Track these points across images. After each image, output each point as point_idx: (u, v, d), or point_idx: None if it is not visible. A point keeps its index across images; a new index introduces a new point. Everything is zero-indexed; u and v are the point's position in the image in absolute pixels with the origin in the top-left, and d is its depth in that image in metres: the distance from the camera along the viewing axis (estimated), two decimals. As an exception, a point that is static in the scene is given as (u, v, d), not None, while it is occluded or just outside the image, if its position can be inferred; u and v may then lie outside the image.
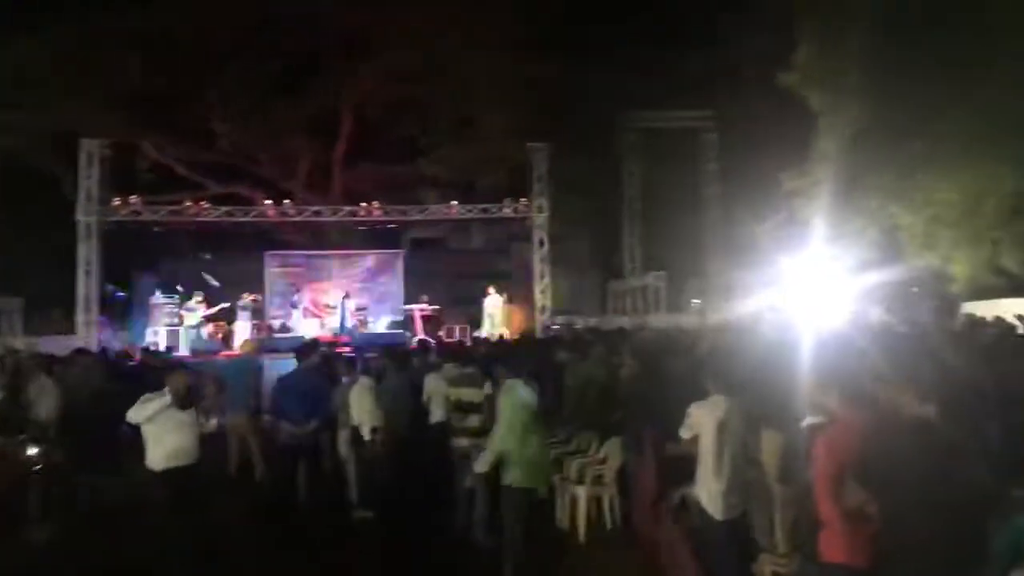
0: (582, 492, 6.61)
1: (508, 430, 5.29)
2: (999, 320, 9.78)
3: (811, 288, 16.25)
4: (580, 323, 17.43)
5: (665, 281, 19.99)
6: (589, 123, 21.60)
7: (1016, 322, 9.44)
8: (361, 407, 6.98)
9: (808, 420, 3.72)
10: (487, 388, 6.38)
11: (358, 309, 19.76)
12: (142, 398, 5.39)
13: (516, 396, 5.39)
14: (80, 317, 17.74)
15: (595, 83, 21.13)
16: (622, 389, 6.83)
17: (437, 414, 7.00)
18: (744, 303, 18.02)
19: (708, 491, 4.42)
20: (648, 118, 21.97)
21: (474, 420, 6.39)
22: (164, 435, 5.35)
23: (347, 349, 15.97)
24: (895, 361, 5.36)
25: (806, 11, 17.10)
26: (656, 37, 21.19)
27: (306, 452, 7.19)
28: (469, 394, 6.50)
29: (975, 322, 10.76)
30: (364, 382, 7.28)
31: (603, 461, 6.85)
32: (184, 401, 5.43)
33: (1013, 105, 13.51)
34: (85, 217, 17.86)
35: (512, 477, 5.21)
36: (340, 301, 18.96)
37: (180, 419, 5.41)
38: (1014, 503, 3.55)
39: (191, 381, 5.66)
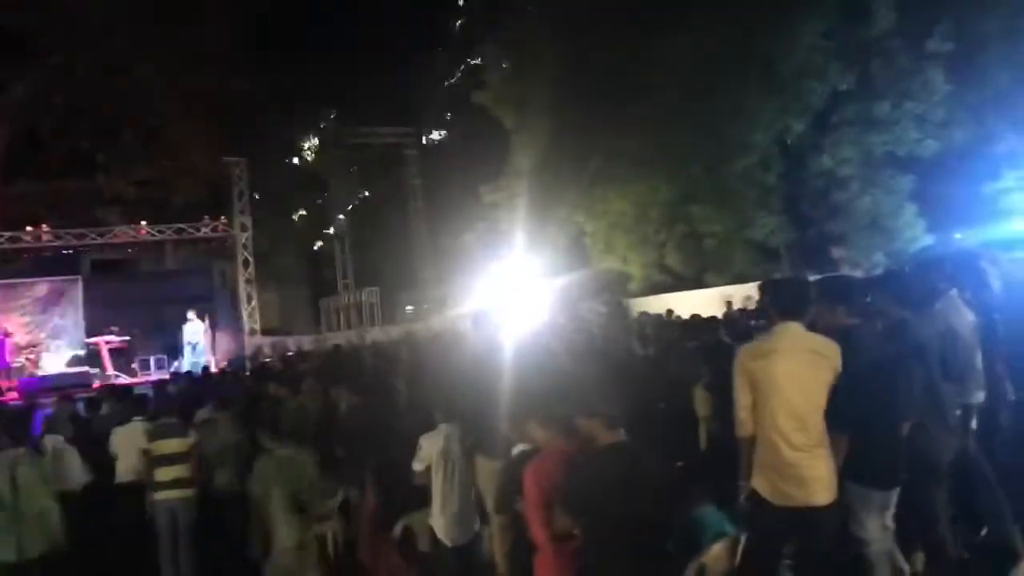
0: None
1: None
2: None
3: (512, 294, 17.42)
4: (292, 345, 16.89)
5: (378, 296, 20.13)
6: (290, 137, 21.06)
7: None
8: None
9: (517, 448, 4.00)
10: (191, 436, 5.99)
11: (29, 346, 17.21)
12: None
13: None
14: None
15: (295, 97, 20.64)
16: (341, 423, 6.74)
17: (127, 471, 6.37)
18: (453, 312, 18.80)
19: (440, 520, 4.56)
20: (351, 134, 21.96)
21: (180, 471, 5.94)
22: None
23: (13, 396, 13.98)
24: (586, 371, 5.97)
25: (493, 35, 18.30)
26: (359, 52, 21.27)
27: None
28: (172, 445, 6.02)
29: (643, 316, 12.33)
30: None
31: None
32: None
33: (667, 130, 15.68)
34: None
35: None
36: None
37: None
38: (692, 497, 4.16)
39: None
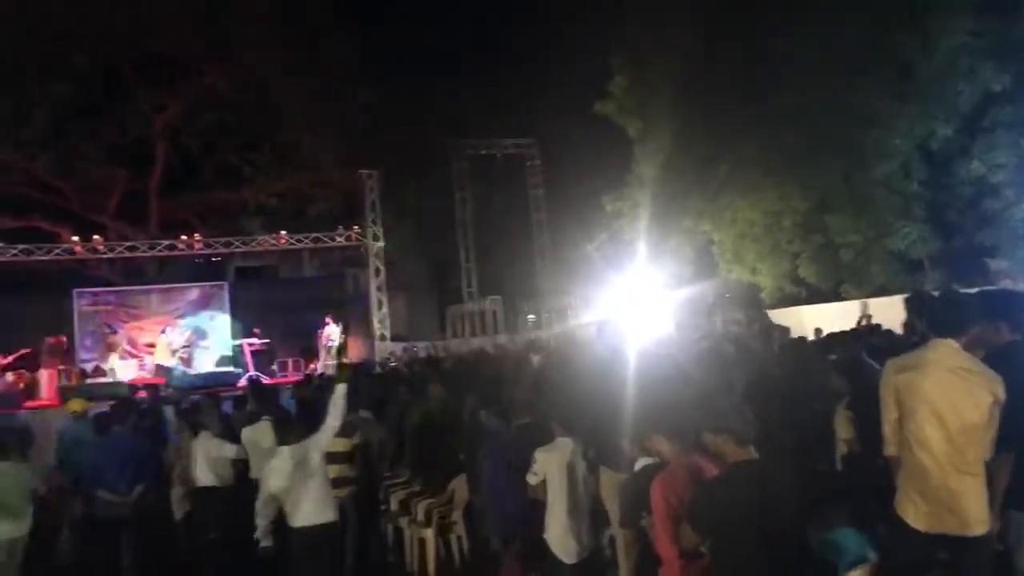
0: (430, 534, 6.57)
1: None
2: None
3: (636, 304, 17.21)
4: (421, 350, 17.39)
5: (501, 304, 20.41)
6: (420, 149, 21.73)
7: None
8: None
9: (641, 461, 3.93)
10: (355, 436, 6.22)
11: (183, 347, 18.57)
12: None
13: None
14: None
15: (425, 110, 21.29)
16: (464, 427, 6.86)
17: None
18: (574, 322, 18.77)
19: (557, 535, 4.48)
20: (476, 145, 22.44)
21: (344, 469, 6.13)
22: None
23: (169, 391, 15.05)
24: (716, 385, 5.79)
25: (619, 44, 18.17)
26: (482, 64, 21.70)
27: (129, 523, 6.61)
28: (337, 444, 6.15)
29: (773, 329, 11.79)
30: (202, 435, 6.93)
31: (449, 501, 6.85)
32: None
33: (799, 136, 15.07)
34: None
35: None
36: (159, 338, 17.78)
37: None
38: (829, 519, 3.94)
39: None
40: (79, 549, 6.98)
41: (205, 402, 7.89)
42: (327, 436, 5.13)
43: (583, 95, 18.80)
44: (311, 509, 4.94)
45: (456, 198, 22.67)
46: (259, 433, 6.65)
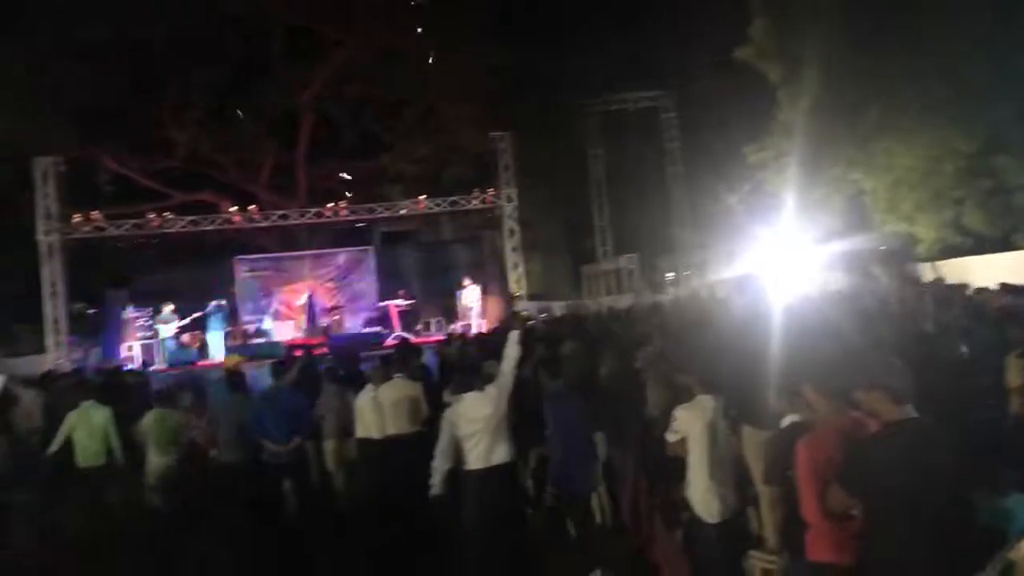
0: (569, 488, 6.65)
1: None
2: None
3: (780, 259, 16.46)
4: (557, 310, 17.49)
5: (637, 262, 20.12)
6: (551, 109, 21.63)
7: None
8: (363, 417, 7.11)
9: (788, 418, 3.79)
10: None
11: (333, 308, 19.63)
12: None
13: None
14: (49, 338, 17.42)
15: (554, 69, 21.10)
16: (602, 383, 6.86)
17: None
18: (713, 279, 18.23)
19: (700, 494, 4.42)
20: (608, 101, 22.04)
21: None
22: None
23: (323, 350, 15.93)
24: (866, 341, 5.47)
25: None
26: (610, 18, 21.21)
27: (290, 469, 7.17)
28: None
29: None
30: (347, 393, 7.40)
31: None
32: None
33: (963, 72, 13.74)
34: (45, 237, 17.51)
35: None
36: (307, 300, 18.86)
37: None
38: (999, 483, 3.66)
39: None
40: (247, 492, 7.59)
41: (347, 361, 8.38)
42: (508, 380, 5.40)
43: (719, 41, 17.96)
44: (492, 451, 5.26)
45: (588, 156, 22.43)
46: (397, 389, 7.07)
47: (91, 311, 19.97)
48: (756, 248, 17.35)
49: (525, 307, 19.08)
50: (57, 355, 17.09)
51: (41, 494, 7.02)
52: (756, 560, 3.94)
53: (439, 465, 5.36)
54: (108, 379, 10.90)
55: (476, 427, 5.29)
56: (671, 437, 4.53)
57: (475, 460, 5.31)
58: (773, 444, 3.78)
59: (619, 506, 6.30)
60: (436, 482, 5.36)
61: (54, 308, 17.50)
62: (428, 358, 10.49)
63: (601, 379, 6.76)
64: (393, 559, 5.76)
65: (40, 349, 17.91)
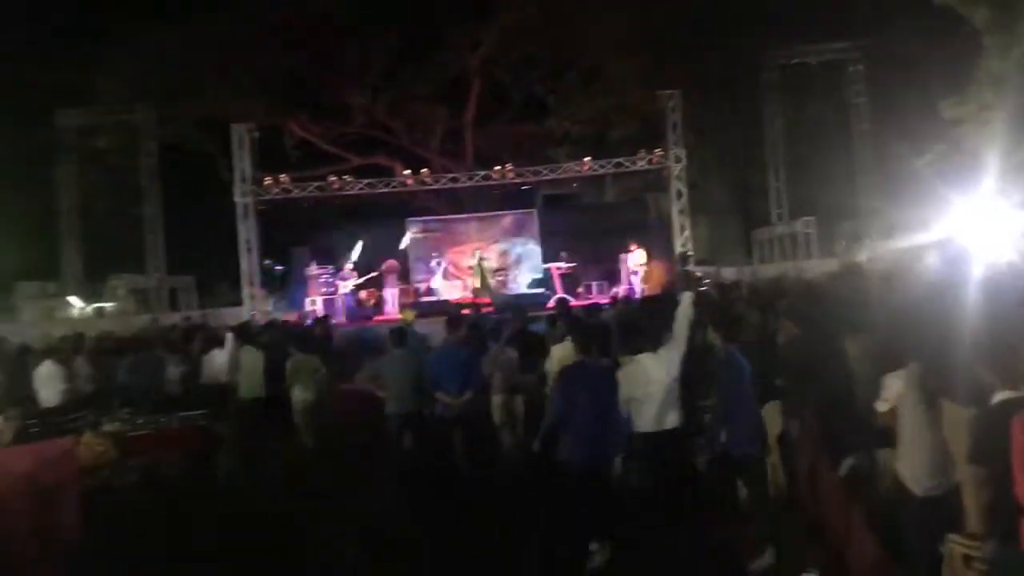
0: (740, 457, 6.44)
1: None
2: None
3: (979, 224, 14.92)
4: (726, 275, 16.87)
5: (815, 226, 18.96)
6: (723, 64, 20.64)
7: None
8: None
9: (1001, 394, 3.42)
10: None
11: (498, 270, 20.06)
12: None
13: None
14: (245, 291, 19.05)
15: (727, 22, 20.05)
16: (780, 353, 6.55)
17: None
18: (903, 244, 16.82)
19: (910, 467, 4.15)
20: (787, 54, 20.71)
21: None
22: None
23: (490, 310, 16.32)
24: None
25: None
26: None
27: (461, 422, 7.44)
28: None
29: None
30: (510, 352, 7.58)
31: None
32: None
33: None
34: (241, 198, 19.03)
35: None
36: (477, 262, 19.33)
37: None
38: None
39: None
40: (418, 441, 7.97)
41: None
42: (681, 342, 5.38)
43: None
44: (664, 415, 5.23)
45: (764, 113, 21.26)
46: (566, 350, 7.07)
47: (279, 267, 21.60)
48: (952, 212, 15.81)
49: (685, 270, 18.56)
50: (252, 307, 18.66)
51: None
52: (956, 545, 3.61)
53: None
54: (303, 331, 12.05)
55: (648, 389, 5.23)
56: (881, 407, 4.29)
57: (646, 423, 5.25)
58: (982, 421, 3.44)
59: (794, 478, 6.02)
60: None
61: (249, 264, 19.07)
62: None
63: (779, 346, 6.45)
64: (559, 515, 5.84)
65: (236, 302, 19.65)
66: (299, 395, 8.67)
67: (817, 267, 16.90)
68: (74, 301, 21.70)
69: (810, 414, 5.73)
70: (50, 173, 21.86)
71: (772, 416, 6.46)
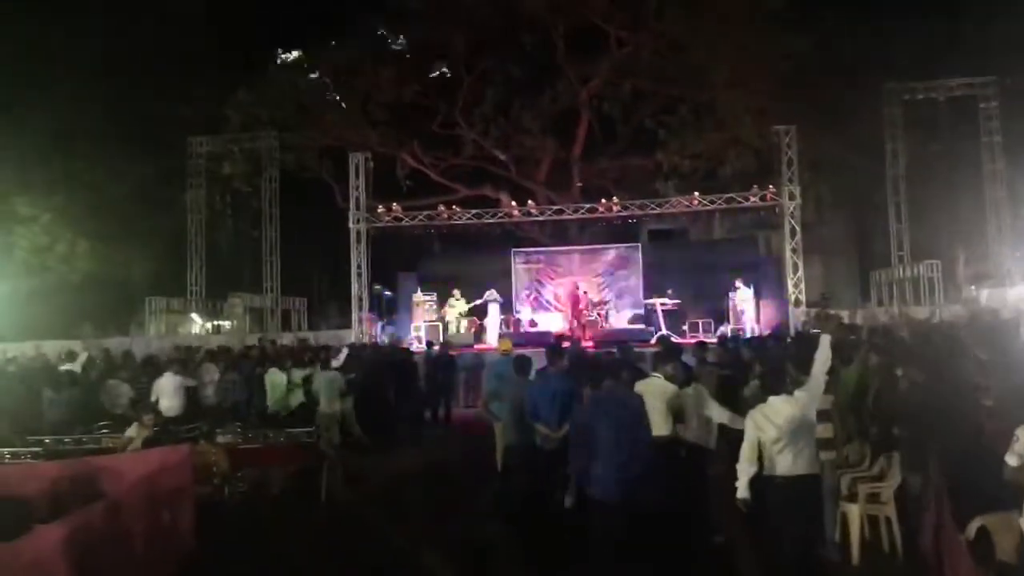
0: (855, 510, 6.07)
1: None
2: None
3: None
4: (844, 316, 16.09)
5: (939, 270, 17.90)
6: (844, 99, 19.93)
7: None
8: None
9: None
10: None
11: (599, 303, 19.91)
12: None
13: None
14: (354, 314, 19.65)
15: (850, 54, 19.39)
16: (901, 399, 6.17)
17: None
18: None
19: None
20: (914, 89, 19.77)
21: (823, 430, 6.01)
22: None
23: (590, 344, 16.19)
24: None
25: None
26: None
27: (559, 455, 7.31)
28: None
29: None
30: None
31: (879, 478, 6.24)
32: None
33: None
34: (355, 225, 19.72)
35: None
36: (577, 294, 19.24)
37: None
38: None
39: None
40: (517, 469, 7.90)
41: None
42: (819, 385, 5.16)
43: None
44: (798, 459, 4.99)
45: (887, 150, 20.30)
46: (651, 387, 6.84)
47: (387, 293, 22.18)
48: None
49: (804, 313, 17.84)
50: (359, 330, 19.22)
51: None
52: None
53: (744, 468, 5.16)
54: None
55: (782, 432, 5.01)
56: (1012, 460, 3.95)
57: (780, 466, 5.04)
58: None
59: (917, 533, 5.63)
60: (742, 485, 5.16)
61: (359, 288, 19.68)
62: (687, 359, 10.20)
63: (901, 393, 6.09)
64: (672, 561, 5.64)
65: (345, 324, 20.30)
66: (325, 407, 9.98)
67: (942, 312, 15.95)
68: (195, 317, 22.99)
69: (935, 468, 5.36)
70: (181, 196, 23.34)
71: (892, 466, 6.09)
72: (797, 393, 5.12)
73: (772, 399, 5.17)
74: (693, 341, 14.97)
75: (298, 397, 10.65)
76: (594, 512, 5.37)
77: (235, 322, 23.63)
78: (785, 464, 4.99)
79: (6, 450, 7.57)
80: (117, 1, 22.76)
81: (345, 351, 11.94)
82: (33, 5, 22.45)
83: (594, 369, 8.02)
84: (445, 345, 14.64)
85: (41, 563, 4.46)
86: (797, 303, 18.11)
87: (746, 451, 5.15)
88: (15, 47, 21.52)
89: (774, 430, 5.03)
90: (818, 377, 5.16)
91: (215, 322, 23.89)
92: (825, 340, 5.30)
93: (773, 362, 6.91)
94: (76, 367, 11.31)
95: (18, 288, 21.98)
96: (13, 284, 21.86)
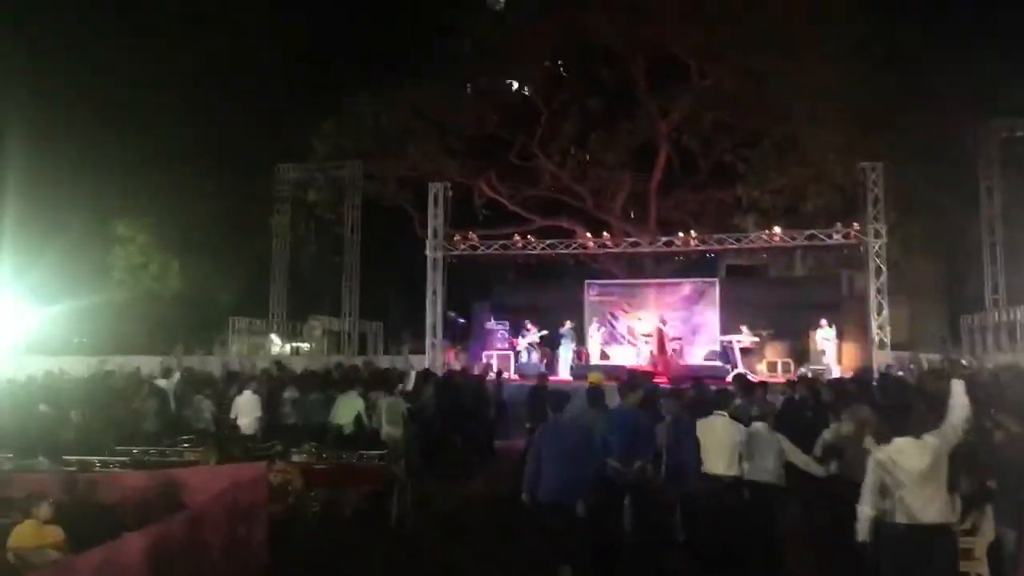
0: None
1: None
2: None
3: None
4: (930, 362, 15.39)
5: (1038, 315, 17.02)
6: (933, 136, 19.26)
7: None
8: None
9: None
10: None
11: (674, 339, 19.57)
12: None
13: None
14: (428, 340, 19.90)
15: (943, 89, 18.77)
16: (995, 450, 5.86)
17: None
18: None
19: None
20: (1012, 126, 18.98)
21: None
22: None
23: (663, 380, 15.92)
24: None
25: None
26: (1019, 23, 18.31)
27: (631, 489, 7.22)
28: None
29: None
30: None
31: (971, 532, 5.91)
32: None
33: None
34: (432, 252, 20.04)
35: None
36: (663, 330, 18.91)
37: None
38: None
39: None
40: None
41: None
42: (955, 433, 4.91)
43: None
44: (925, 508, 4.77)
45: (981, 188, 19.49)
46: (715, 425, 7.00)
47: (461, 320, 22.41)
48: None
49: (886, 356, 17.15)
50: (433, 356, 19.44)
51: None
52: None
53: (864, 511, 4.98)
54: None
55: (908, 477, 4.80)
56: None
57: (902, 514, 4.81)
58: None
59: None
60: (861, 529, 4.98)
61: (434, 315, 19.94)
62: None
63: (996, 446, 5.79)
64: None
65: (419, 349, 20.58)
66: (388, 431, 10.10)
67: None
68: (275, 338, 23.72)
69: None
70: (267, 221, 24.24)
71: (985, 522, 5.77)
72: (927, 437, 4.86)
73: (898, 440, 4.92)
74: (770, 381, 14.63)
75: (371, 421, 10.81)
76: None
77: (313, 344, 24.27)
78: (906, 512, 4.77)
79: (96, 459, 7.91)
80: (214, 34, 24.02)
81: (413, 375, 12.06)
82: (135, 37, 23.98)
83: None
84: (539, 377, 14.39)
85: (127, 569, 4.64)
86: (881, 345, 17.41)
87: (868, 492, 4.96)
88: (117, 76, 22.95)
89: (898, 474, 4.83)
90: (956, 424, 4.88)
91: (294, 344, 24.58)
92: (959, 386, 5.02)
93: (892, 401, 6.73)
94: (171, 383, 11.78)
95: (112, 304, 23.15)
96: (108, 300, 23.04)
